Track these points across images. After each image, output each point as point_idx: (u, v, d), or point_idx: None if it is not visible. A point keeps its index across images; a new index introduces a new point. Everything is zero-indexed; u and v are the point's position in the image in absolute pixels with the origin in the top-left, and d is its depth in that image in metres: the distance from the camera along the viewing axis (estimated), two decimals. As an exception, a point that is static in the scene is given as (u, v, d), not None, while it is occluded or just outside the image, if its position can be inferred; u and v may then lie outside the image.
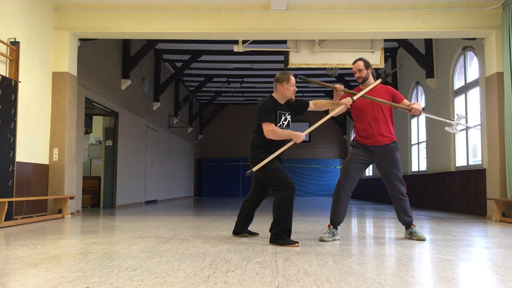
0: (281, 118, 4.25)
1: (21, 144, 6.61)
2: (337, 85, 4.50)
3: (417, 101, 12.00)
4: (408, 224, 4.58)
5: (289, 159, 20.95)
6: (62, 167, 7.56)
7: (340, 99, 4.50)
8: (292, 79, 4.28)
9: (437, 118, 4.95)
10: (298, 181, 21.02)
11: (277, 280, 2.56)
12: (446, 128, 4.85)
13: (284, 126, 4.27)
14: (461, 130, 4.41)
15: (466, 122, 4.75)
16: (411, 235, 4.51)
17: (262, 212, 7.58)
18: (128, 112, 11.59)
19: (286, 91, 4.25)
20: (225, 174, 21.72)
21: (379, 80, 4.63)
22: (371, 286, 2.44)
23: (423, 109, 4.78)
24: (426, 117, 11.14)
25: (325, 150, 22.24)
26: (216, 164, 21.89)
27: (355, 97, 4.45)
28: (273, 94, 4.33)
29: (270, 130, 4.14)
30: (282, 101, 4.30)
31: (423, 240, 4.42)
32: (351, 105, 4.48)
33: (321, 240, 4.33)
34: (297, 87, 4.36)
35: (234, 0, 7.81)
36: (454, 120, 4.71)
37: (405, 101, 4.64)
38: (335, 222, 4.49)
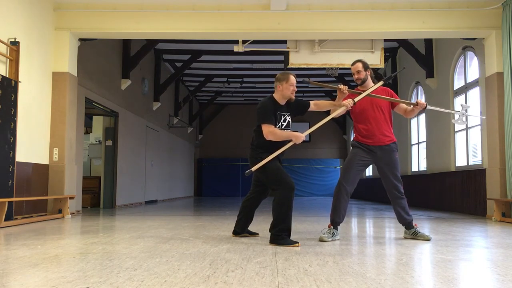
0: (281, 119, 4.25)
1: (21, 144, 6.61)
2: (341, 85, 4.51)
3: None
4: (408, 224, 4.58)
5: (289, 159, 20.95)
6: (62, 167, 7.56)
7: (343, 100, 4.50)
8: (292, 78, 4.27)
9: (442, 110, 4.97)
10: (298, 181, 21.03)
11: (277, 280, 2.56)
12: (453, 121, 4.85)
13: (283, 127, 4.27)
14: (466, 120, 4.36)
15: (467, 112, 4.75)
16: (416, 235, 4.51)
17: (262, 212, 7.58)
18: (128, 112, 11.59)
19: (285, 90, 4.24)
20: (225, 174, 21.72)
21: (381, 82, 4.64)
22: (371, 286, 2.44)
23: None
24: (426, 116, 11.17)
25: (325, 150, 22.24)
26: (216, 164, 21.89)
27: (356, 99, 4.45)
28: (273, 95, 4.33)
29: (270, 132, 4.14)
30: (282, 102, 4.30)
31: (429, 240, 4.42)
32: (352, 106, 4.48)
33: (321, 240, 4.34)
34: (297, 87, 4.35)
35: (234, 0, 7.81)
36: (459, 111, 4.69)
37: (402, 104, 4.67)
38: (335, 222, 4.50)
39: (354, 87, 4.79)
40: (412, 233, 4.55)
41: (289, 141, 4.23)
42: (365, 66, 4.61)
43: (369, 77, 4.62)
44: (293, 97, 4.32)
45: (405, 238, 4.61)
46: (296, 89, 4.31)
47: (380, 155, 4.52)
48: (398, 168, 4.56)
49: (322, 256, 3.42)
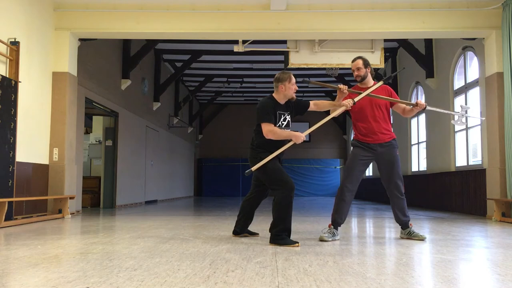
0: (281, 118, 4.26)
1: (21, 144, 6.61)
2: (341, 85, 4.51)
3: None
4: (405, 224, 4.59)
5: (289, 159, 20.96)
6: (62, 167, 7.56)
7: (343, 99, 4.51)
8: (293, 78, 4.30)
9: (442, 111, 4.97)
10: (298, 181, 21.02)
11: (277, 280, 2.56)
12: (453, 122, 4.86)
13: (283, 126, 4.28)
14: (466, 121, 4.34)
15: (466, 113, 4.75)
16: (410, 235, 4.52)
17: (262, 212, 7.58)
18: (128, 112, 11.59)
19: (288, 90, 4.26)
20: (225, 174, 21.72)
21: (381, 82, 4.63)
22: (371, 286, 2.44)
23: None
24: (426, 116, 11.17)
25: (325, 150, 22.24)
26: (216, 164, 21.88)
27: (356, 99, 4.45)
28: (273, 94, 4.34)
29: (269, 131, 4.14)
30: (282, 101, 4.30)
31: (423, 240, 4.43)
32: (351, 106, 4.48)
33: (321, 240, 4.34)
34: (297, 86, 4.37)
35: (234, 0, 7.81)
36: (459, 112, 4.69)
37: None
38: (336, 222, 4.49)
39: (352, 87, 4.79)
40: (407, 233, 4.56)
41: (289, 141, 4.24)
42: (365, 63, 4.61)
43: (369, 75, 4.61)
44: (295, 97, 4.34)
45: (401, 238, 4.61)
46: (297, 88, 4.33)
47: (381, 152, 4.51)
48: (399, 166, 4.55)
49: (322, 256, 3.43)
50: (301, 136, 4.15)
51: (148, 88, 13.34)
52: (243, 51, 8.71)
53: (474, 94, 8.80)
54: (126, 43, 11.24)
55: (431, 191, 10.61)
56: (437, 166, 10.37)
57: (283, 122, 4.28)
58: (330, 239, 4.35)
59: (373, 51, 8.61)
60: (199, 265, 3.01)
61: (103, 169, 10.73)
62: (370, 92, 4.49)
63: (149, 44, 11.30)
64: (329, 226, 4.51)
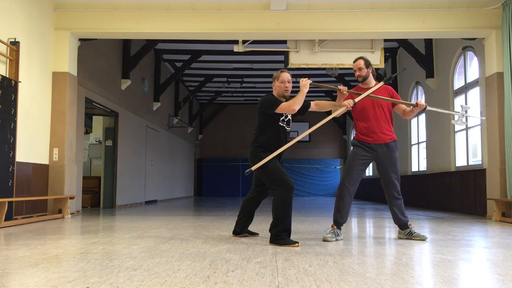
0: (282, 115, 4.26)
1: (21, 144, 6.61)
2: (341, 86, 4.51)
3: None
4: (404, 225, 4.59)
5: (289, 159, 20.95)
6: (62, 167, 7.56)
7: (343, 100, 4.51)
8: (282, 76, 4.29)
9: (442, 111, 4.97)
10: (298, 181, 21.02)
11: (277, 280, 2.56)
12: (453, 122, 4.86)
13: (285, 123, 4.29)
14: (466, 121, 4.32)
15: (467, 113, 4.75)
16: (411, 235, 4.51)
17: (262, 212, 7.58)
18: (128, 112, 11.59)
19: (278, 88, 4.30)
20: (225, 174, 21.71)
21: (381, 83, 4.64)
22: (371, 286, 2.44)
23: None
24: (426, 116, 11.17)
25: (325, 150, 22.23)
26: (216, 164, 21.88)
27: (356, 99, 4.45)
28: (272, 93, 4.37)
29: (289, 104, 4.15)
30: (282, 99, 4.31)
31: (424, 239, 4.42)
32: (352, 107, 4.48)
33: (325, 240, 4.34)
34: (297, 87, 4.36)
35: (234, 0, 7.81)
36: (459, 112, 4.69)
37: (401, 104, 4.67)
38: (338, 222, 4.49)
39: (354, 87, 4.79)
40: (408, 233, 4.55)
41: (289, 140, 4.25)
42: (367, 64, 4.62)
43: (370, 75, 4.62)
44: (287, 95, 4.32)
45: (400, 238, 4.61)
46: (288, 86, 4.29)
47: (381, 153, 4.52)
48: (398, 167, 4.56)
49: (322, 256, 3.43)
50: (307, 80, 4.24)
51: (148, 88, 13.34)
52: (243, 51, 8.71)
53: (474, 94, 8.80)
54: (126, 43, 11.24)
55: (431, 191, 10.60)
56: (437, 166, 10.37)
57: (284, 120, 4.28)
58: (333, 239, 4.35)
59: (373, 51, 8.61)
60: (199, 265, 3.01)
61: (103, 169, 10.73)
62: (370, 93, 4.49)
63: (149, 44, 11.29)
64: (331, 227, 4.51)
